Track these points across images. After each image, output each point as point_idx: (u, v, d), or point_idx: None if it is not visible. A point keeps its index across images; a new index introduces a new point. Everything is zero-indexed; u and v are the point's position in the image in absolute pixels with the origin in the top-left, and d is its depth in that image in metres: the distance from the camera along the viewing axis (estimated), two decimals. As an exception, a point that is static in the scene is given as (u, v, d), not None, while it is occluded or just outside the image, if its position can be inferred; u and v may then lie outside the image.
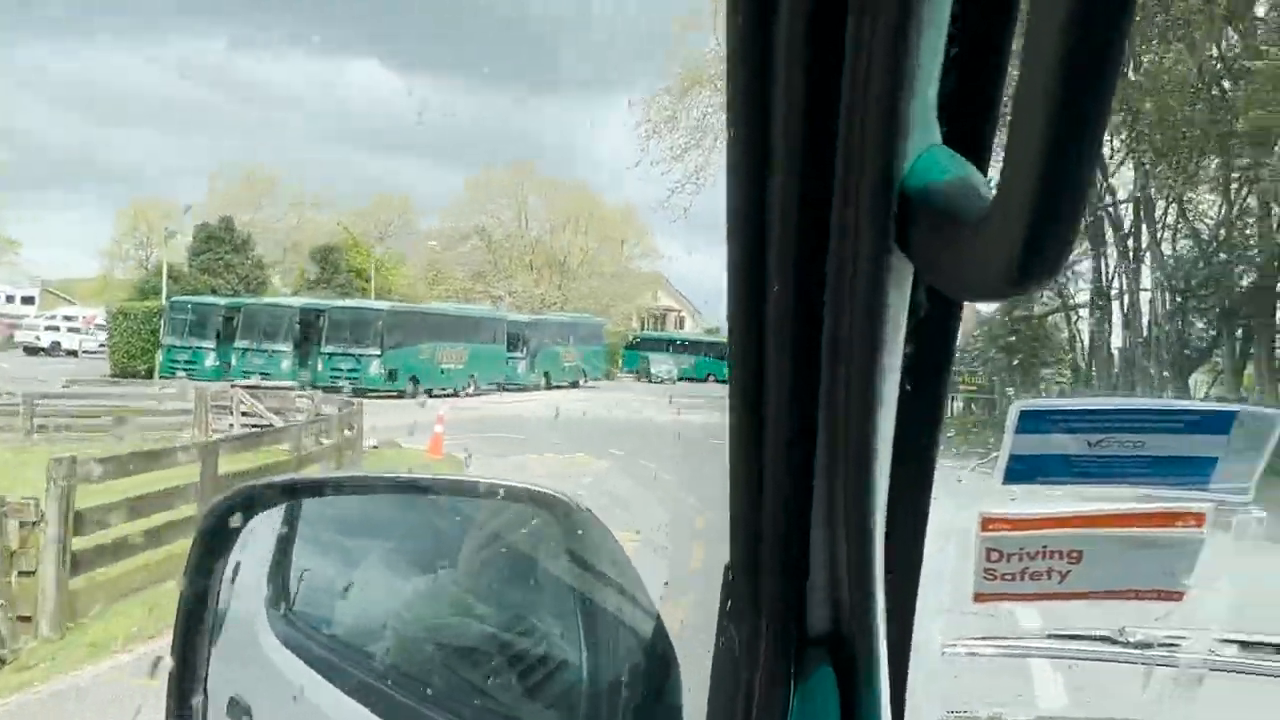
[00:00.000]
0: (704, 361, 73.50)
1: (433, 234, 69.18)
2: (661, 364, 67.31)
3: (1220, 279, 24.80)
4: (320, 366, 37.25)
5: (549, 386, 48.51)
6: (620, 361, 71.04)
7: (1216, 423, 1.40)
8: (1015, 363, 29.28)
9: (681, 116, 36.26)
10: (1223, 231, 25.66)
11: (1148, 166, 26.59)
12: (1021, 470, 1.52)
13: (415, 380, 38.28)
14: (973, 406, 34.61)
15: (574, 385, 51.25)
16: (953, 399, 36.91)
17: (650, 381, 66.26)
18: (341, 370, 36.91)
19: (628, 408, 36.77)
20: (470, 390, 41.79)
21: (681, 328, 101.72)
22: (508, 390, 46.40)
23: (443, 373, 39.70)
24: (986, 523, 1.56)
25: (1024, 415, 1.50)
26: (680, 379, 68.99)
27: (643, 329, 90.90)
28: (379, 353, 36.81)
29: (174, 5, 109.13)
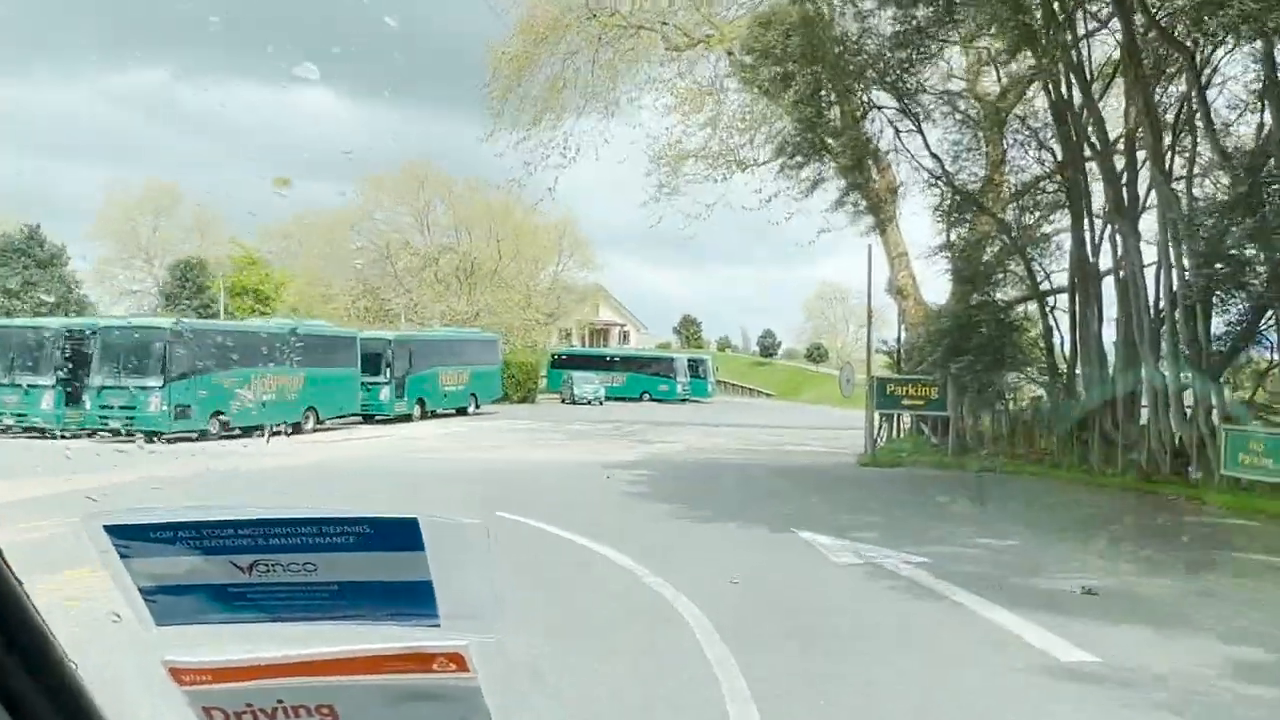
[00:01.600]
0: (637, 379, 64.83)
1: (361, 253, 60.03)
2: (586, 384, 58.49)
3: (1270, 231, 16.14)
4: (89, 404, 28.22)
5: (426, 415, 39.51)
6: (545, 383, 62.47)
7: (400, 535, 1.09)
8: (976, 366, 20.53)
9: (538, 73, 27.42)
10: (1272, 159, 16.96)
11: (1148, 66, 18.01)
12: (171, 607, 1.15)
13: (221, 416, 29.27)
14: (923, 426, 25.84)
15: (461, 412, 42.27)
16: (896, 417, 28.28)
17: (574, 403, 57.66)
18: (113, 408, 27.86)
19: (499, 440, 28.20)
20: (310, 426, 32.82)
21: (626, 342, 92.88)
22: (372, 423, 37.46)
23: (264, 405, 30.74)
24: (179, 674, 1.14)
25: (117, 533, 1.11)
26: (610, 398, 60.49)
27: (584, 345, 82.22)
28: (160, 384, 27.80)
29: (112, 37, 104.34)
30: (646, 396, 62.54)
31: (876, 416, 24.43)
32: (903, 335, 26.79)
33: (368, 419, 37.80)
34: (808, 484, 19.14)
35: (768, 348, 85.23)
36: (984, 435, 22.60)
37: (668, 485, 18.20)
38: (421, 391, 39.02)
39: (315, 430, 32.91)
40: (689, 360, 65.84)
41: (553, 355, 65.89)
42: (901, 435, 26.86)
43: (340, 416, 35.67)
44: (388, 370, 37.04)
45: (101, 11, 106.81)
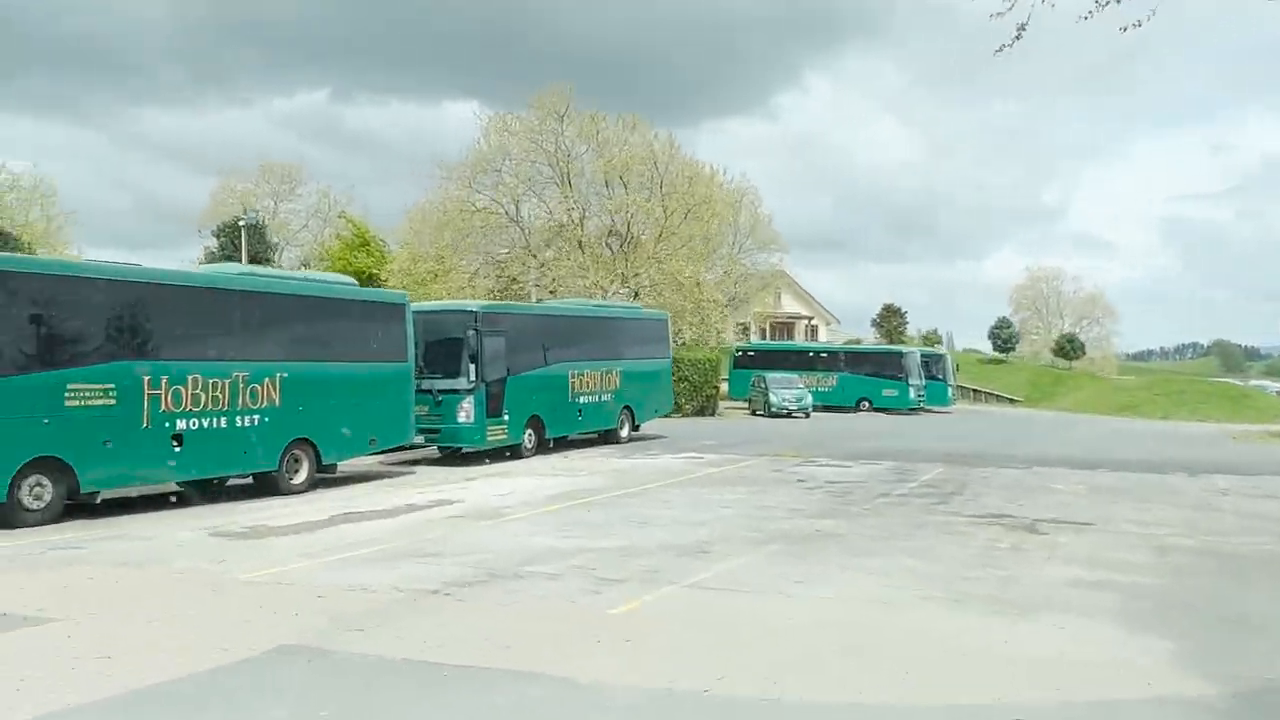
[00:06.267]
0: (853, 381, 45.57)
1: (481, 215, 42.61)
2: (785, 389, 39.78)
3: None
4: None
5: (544, 447, 21.79)
6: (726, 387, 44.07)
7: None
8: None
9: None
10: None
11: None
12: None
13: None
14: None
15: (607, 439, 24.35)
16: None
17: (771, 415, 39.23)
18: None
19: (694, 539, 10.17)
20: (301, 478, 15.56)
21: (814, 338, 73.51)
22: (445, 462, 20.08)
23: (110, 449, 13.47)
24: None
25: None
26: (816, 407, 41.67)
27: (763, 340, 63.39)
28: None
29: (270, 60, 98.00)
30: (866, 405, 43.43)
31: None
32: None
33: (449, 453, 20.40)
34: None
35: (1005, 341, 64.08)
36: None
37: None
38: (536, 405, 21.23)
39: (296, 490, 15.51)
40: (923, 357, 46.32)
41: (736, 351, 47.42)
42: None
43: (378, 452, 18.32)
44: (472, 367, 19.37)
45: (265, 40, 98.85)
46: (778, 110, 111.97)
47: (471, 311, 19.88)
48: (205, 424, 14.14)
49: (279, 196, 67.45)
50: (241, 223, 37.72)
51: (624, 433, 24.63)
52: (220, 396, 14.37)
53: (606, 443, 24.15)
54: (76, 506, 12.89)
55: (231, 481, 15.49)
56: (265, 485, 15.40)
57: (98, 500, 13.18)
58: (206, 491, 14.89)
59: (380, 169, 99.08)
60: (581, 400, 22.89)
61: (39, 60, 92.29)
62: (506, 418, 20.22)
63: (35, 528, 12.03)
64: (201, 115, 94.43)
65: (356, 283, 18.72)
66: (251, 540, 11.43)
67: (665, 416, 28.35)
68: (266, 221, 58.94)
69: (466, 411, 19.35)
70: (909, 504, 14.64)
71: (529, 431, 21.07)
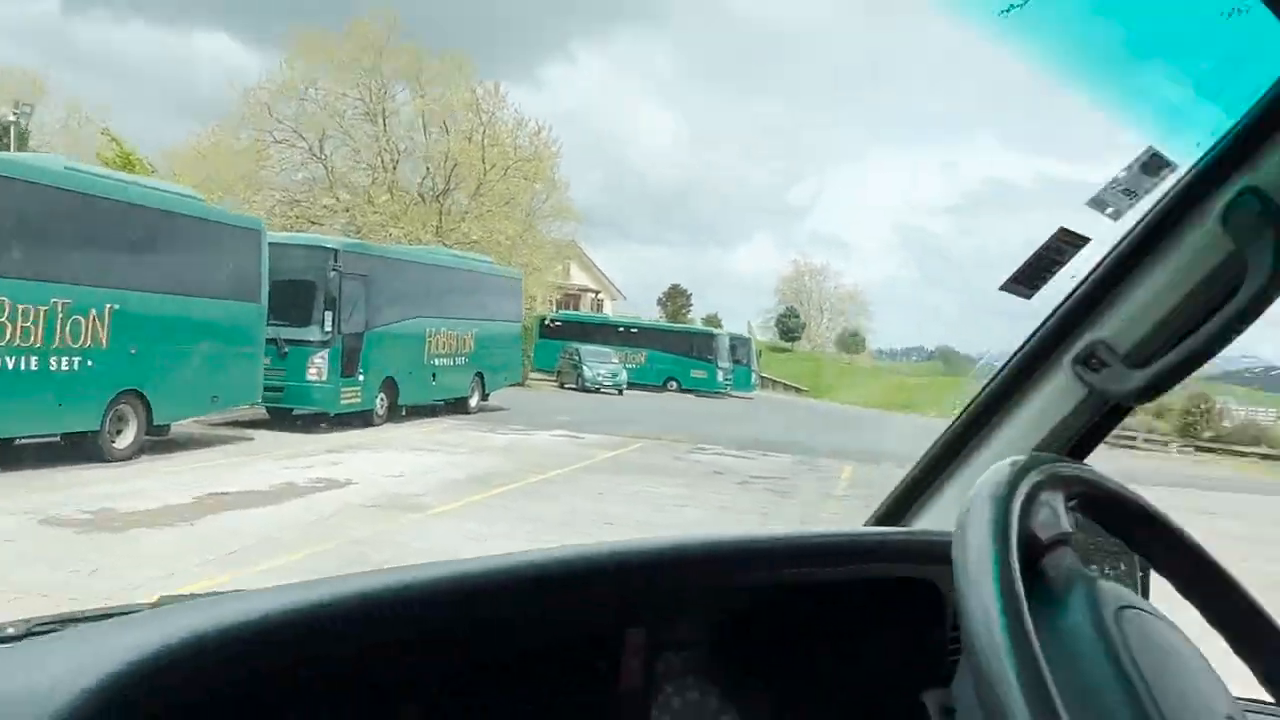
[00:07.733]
0: (662, 359, 44.21)
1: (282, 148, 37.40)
2: (601, 363, 37.84)
3: None
4: None
5: (395, 414, 18.68)
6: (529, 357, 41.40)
7: None
8: None
9: None
10: None
11: None
12: None
13: None
14: None
15: (456, 408, 21.44)
16: None
17: (584, 390, 37.26)
18: None
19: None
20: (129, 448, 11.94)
21: (600, 312, 72.08)
22: (287, 424, 16.70)
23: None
24: None
25: None
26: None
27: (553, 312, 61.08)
28: None
29: None
30: (674, 385, 42.21)
31: None
32: None
33: (278, 415, 16.93)
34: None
35: (790, 331, 64.96)
36: None
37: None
38: (391, 366, 18.13)
39: (120, 456, 12.04)
40: (730, 340, 45.60)
41: (543, 320, 44.92)
42: None
43: (210, 412, 14.79)
44: (328, 316, 16.08)
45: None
46: (544, 80, 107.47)
47: (330, 249, 16.52)
48: (16, 364, 10.42)
49: (20, 105, 58.43)
50: (13, 117, 31.37)
51: (473, 402, 21.82)
52: (32, 329, 10.66)
53: (455, 413, 21.24)
54: None
55: (22, 441, 11.70)
56: (79, 449, 11.73)
57: None
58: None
59: (124, 95, 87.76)
60: (436, 363, 19.91)
61: None
62: (361, 379, 17.05)
63: None
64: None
65: (203, 199, 14.91)
66: (108, 534, 8.17)
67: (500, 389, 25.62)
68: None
69: (319, 368, 16.06)
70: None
71: (381, 396, 17.95)
